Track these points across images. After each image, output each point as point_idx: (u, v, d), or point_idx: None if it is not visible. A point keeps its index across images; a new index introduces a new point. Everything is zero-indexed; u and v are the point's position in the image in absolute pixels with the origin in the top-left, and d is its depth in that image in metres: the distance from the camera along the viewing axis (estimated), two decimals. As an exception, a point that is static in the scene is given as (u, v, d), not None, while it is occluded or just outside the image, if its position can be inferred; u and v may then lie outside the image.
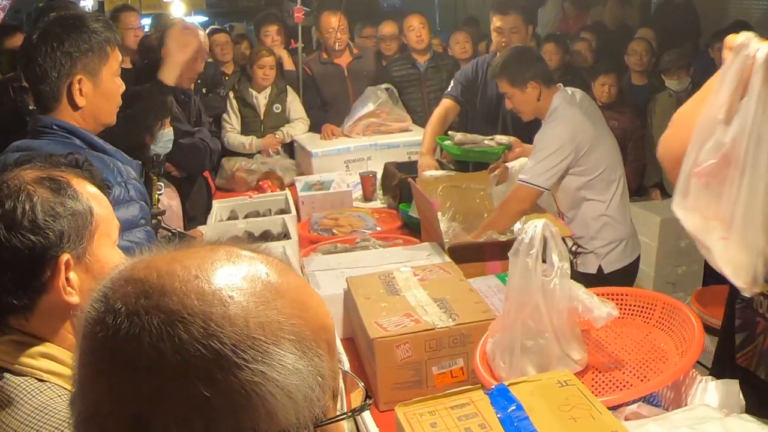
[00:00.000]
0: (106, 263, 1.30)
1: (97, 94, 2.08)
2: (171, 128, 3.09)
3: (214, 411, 0.62)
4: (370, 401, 0.77)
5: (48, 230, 1.24)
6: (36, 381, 1.24)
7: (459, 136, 3.76)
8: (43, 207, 1.24)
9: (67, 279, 1.26)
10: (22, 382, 1.23)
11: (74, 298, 1.26)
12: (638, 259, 3.47)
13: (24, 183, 1.26)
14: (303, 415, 0.66)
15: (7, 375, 1.24)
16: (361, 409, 0.76)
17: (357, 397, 0.78)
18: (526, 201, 3.12)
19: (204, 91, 4.85)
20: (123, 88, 2.18)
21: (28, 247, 1.22)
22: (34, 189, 1.26)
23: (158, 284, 0.66)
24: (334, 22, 4.83)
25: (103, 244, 1.32)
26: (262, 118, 4.78)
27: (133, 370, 0.63)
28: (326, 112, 4.89)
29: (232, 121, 4.76)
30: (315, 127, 4.82)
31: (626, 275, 3.35)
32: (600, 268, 3.30)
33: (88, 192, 1.33)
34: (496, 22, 3.83)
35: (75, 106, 2.06)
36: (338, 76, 4.94)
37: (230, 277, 0.68)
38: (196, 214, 3.76)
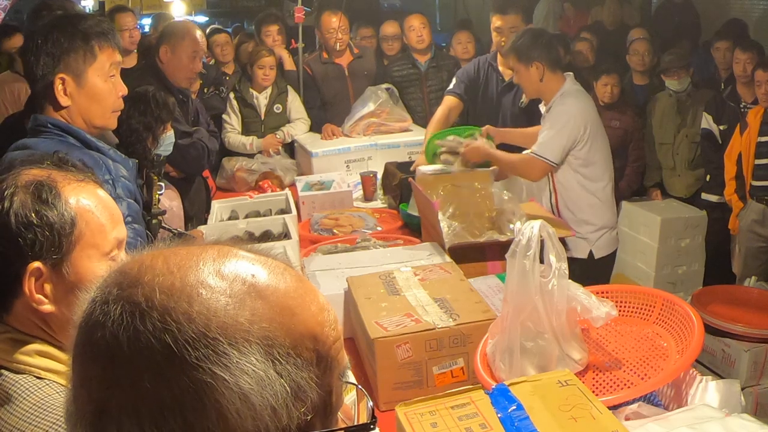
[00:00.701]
0: (85, 275, 1.27)
1: (81, 94, 2.08)
2: (172, 131, 3.09)
3: (162, 406, 0.62)
4: (374, 422, 0.74)
5: (19, 238, 1.22)
6: (34, 378, 1.24)
7: (444, 153, 3.55)
8: (17, 214, 1.23)
9: (42, 287, 1.25)
10: (20, 380, 1.23)
11: (46, 307, 1.25)
12: (616, 251, 3.71)
13: (12, 185, 1.25)
14: (264, 423, 0.64)
15: (5, 372, 1.24)
16: (362, 428, 0.73)
17: (362, 409, 0.76)
18: (536, 173, 3.36)
19: (205, 90, 4.84)
20: (123, 91, 2.17)
21: None
22: (15, 193, 1.24)
23: (134, 276, 0.67)
24: (334, 22, 4.83)
25: (87, 256, 1.28)
26: (262, 118, 4.77)
27: (96, 357, 0.65)
28: (326, 112, 4.89)
29: (233, 121, 4.76)
30: (316, 127, 4.82)
31: (610, 262, 3.62)
32: (591, 253, 3.49)
33: (94, 198, 1.31)
34: (495, 21, 3.87)
35: (58, 106, 2.08)
36: (339, 75, 4.94)
37: (207, 275, 0.67)
38: (195, 213, 3.76)
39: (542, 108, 3.48)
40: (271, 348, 0.65)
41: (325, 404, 0.69)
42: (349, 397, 0.77)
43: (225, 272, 0.68)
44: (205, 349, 0.62)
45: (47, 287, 1.25)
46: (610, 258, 3.60)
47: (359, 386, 0.79)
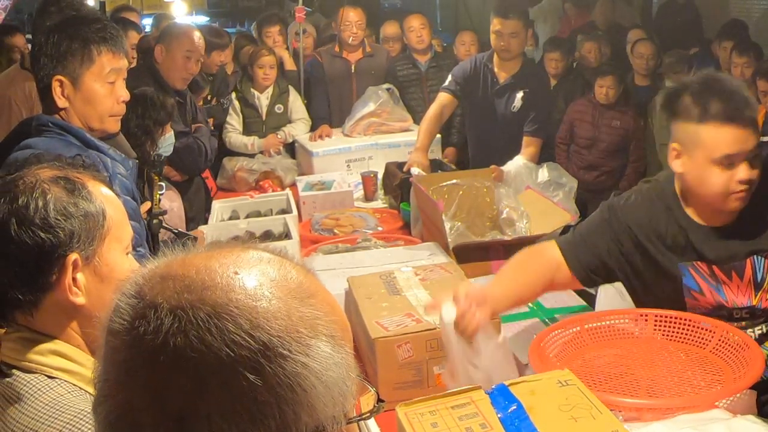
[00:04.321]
0: (115, 267, 1.30)
1: (77, 97, 2.09)
2: (172, 131, 3.08)
3: (260, 402, 0.63)
4: (383, 404, 0.78)
5: (58, 229, 1.24)
6: (46, 378, 1.24)
7: None
8: (55, 205, 1.25)
9: (75, 279, 1.26)
10: (32, 379, 1.23)
11: (80, 299, 1.27)
12: None
13: (39, 181, 1.27)
14: (338, 410, 0.68)
15: (16, 372, 1.24)
16: (377, 410, 0.77)
17: (367, 402, 0.78)
18: None
19: (209, 97, 4.80)
20: (124, 97, 2.17)
21: (38, 243, 1.23)
22: (48, 187, 1.27)
23: (198, 279, 0.67)
24: (353, 16, 4.87)
25: (113, 249, 1.32)
26: (264, 118, 4.76)
27: (178, 364, 0.63)
28: (330, 106, 4.89)
29: (234, 121, 4.74)
30: (320, 121, 4.78)
31: None
32: None
33: (102, 195, 1.34)
34: (496, 25, 3.82)
35: (56, 107, 2.09)
36: (344, 70, 4.94)
37: (267, 275, 0.70)
38: (194, 214, 3.76)
39: None
40: (334, 338, 0.70)
41: (357, 388, 0.74)
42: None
43: (277, 273, 0.71)
44: (294, 343, 0.66)
45: (81, 279, 1.27)
46: None
47: (359, 377, 0.81)
